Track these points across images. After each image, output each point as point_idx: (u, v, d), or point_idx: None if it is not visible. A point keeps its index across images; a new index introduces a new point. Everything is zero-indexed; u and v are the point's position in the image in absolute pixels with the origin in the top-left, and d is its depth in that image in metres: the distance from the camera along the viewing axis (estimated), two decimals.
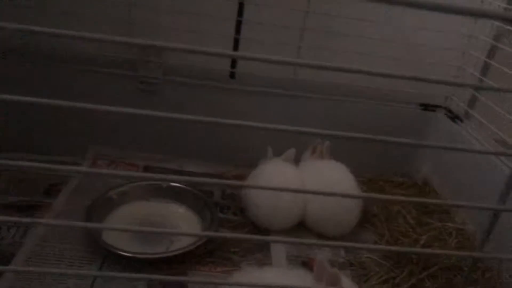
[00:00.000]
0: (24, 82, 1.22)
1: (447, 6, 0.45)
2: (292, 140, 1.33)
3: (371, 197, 1.34)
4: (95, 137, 1.44)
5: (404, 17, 1.35)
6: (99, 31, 0.50)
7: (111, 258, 1.04)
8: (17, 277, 0.95)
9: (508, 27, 1.34)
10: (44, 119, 1.37)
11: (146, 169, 1.45)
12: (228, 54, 0.60)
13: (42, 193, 1.26)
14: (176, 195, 1.24)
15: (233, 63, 1.45)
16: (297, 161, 1.33)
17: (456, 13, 0.46)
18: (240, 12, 1.38)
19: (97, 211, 1.12)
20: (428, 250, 1.06)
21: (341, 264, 1.13)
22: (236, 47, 1.43)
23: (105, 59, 1.34)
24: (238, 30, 1.41)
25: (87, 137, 1.43)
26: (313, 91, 1.44)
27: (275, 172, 1.24)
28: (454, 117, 1.48)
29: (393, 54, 1.39)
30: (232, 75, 1.47)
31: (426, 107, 1.54)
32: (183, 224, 1.19)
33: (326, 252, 1.16)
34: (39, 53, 1.33)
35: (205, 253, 1.09)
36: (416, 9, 0.46)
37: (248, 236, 1.17)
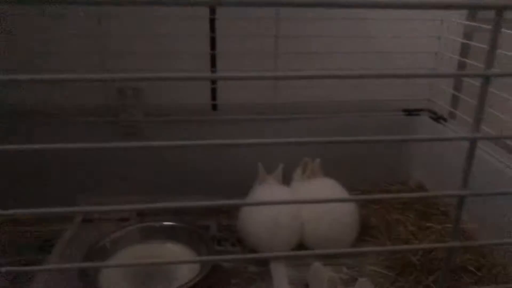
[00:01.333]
0: (5, 141, 1.23)
1: (413, 2, 0.47)
2: (281, 159, 1.33)
3: (364, 199, 1.34)
4: (84, 187, 1.43)
5: (374, 27, 1.39)
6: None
7: None
8: None
9: (475, 24, 1.37)
10: (31, 175, 1.38)
11: (140, 213, 1.43)
12: (207, 76, 0.61)
13: (37, 250, 1.25)
14: (170, 234, 1.23)
15: (213, 94, 1.47)
16: (287, 179, 1.33)
17: (423, 8, 0.47)
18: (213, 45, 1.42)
19: (91, 262, 1.10)
20: (407, 246, 1.04)
21: (345, 281, 1.10)
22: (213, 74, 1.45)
23: (84, 109, 1.36)
24: (213, 62, 1.43)
25: (76, 188, 1.43)
26: (295, 112, 1.46)
27: (270, 197, 1.23)
28: (438, 117, 1.48)
29: (368, 65, 1.42)
30: (214, 107, 1.48)
31: (409, 112, 1.55)
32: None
33: (327, 270, 1.14)
34: (20, 111, 1.34)
35: None
36: (384, 9, 0.47)
37: (245, 256, 1.15)
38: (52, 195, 1.35)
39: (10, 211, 0.52)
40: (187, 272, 1.08)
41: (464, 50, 1.46)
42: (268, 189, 1.27)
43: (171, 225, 1.24)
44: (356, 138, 0.53)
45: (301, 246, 1.22)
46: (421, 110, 1.55)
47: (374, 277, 1.11)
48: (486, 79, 0.49)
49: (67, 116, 1.36)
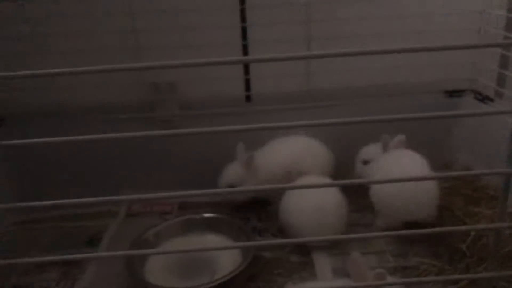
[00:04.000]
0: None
1: None
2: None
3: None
4: (128, 182, 1.47)
5: (409, 7, 1.33)
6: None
7: None
8: None
9: None
10: (76, 171, 1.43)
11: (181, 205, 1.46)
12: (240, 60, 0.60)
13: (84, 244, 1.29)
14: (211, 226, 1.24)
15: (247, 86, 1.46)
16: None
17: None
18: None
19: (136, 255, 1.13)
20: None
21: (390, 269, 1.07)
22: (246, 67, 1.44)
23: (122, 106, 1.39)
24: (245, 52, 1.43)
25: (120, 184, 1.47)
26: (331, 98, 1.43)
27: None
28: (483, 98, 1.41)
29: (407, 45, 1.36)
30: (247, 98, 1.48)
31: (451, 93, 1.48)
32: (222, 253, 1.17)
33: (372, 258, 1.12)
34: (51, 111, 1.39)
35: (248, 278, 1.07)
36: None
37: (285, 240, 1.14)
38: (96, 192, 1.40)
39: (58, 201, 0.54)
40: (229, 263, 1.09)
41: (510, 24, 1.37)
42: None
43: (212, 217, 1.25)
44: (395, 117, 0.51)
45: None
46: (464, 90, 1.48)
47: (421, 266, 1.07)
48: None
49: (104, 113, 1.39)
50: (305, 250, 1.18)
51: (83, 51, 1.30)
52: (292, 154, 1.34)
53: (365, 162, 1.34)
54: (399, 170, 1.20)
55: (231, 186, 1.30)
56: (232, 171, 1.32)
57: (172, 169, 1.46)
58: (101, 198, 0.56)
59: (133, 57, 1.36)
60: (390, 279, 0.81)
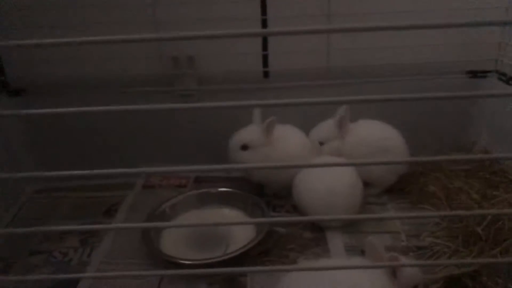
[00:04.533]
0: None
1: None
2: None
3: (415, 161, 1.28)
4: (146, 155, 1.49)
5: None
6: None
7: (171, 268, 1.06)
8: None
9: None
10: (94, 143, 1.45)
11: (197, 179, 1.48)
12: (258, 33, 0.59)
13: (102, 214, 1.33)
14: (226, 200, 1.25)
15: (265, 62, 1.45)
16: None
17: None
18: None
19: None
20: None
21: (403, 248, 1.08)
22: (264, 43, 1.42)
23: (140, 79, 1.39)
24: (264, 27, 1.41)
25: (138, 156, 1.48)
26: (349, 77, 1.40)
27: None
28: (509, 79, 1.37)
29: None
30: (265, 74, 1.47)
31: (475, 74, 1.44)
32: (236, 227, 1.19)
33: (385, 238, 1.12)
34: (70, 83, 1.40)
35: (261, 253, 1.09)
36: None
37: (299, 218, 1.15)
38: (114, 164, 1.42)
39: (77, 172, 0.55)
40: (243, 237, 1.11)
41: None
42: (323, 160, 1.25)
43: (228, 191, 1.26)
44: (410, 96, 0.49)
45: None
46: (488, 71, 1.44)
47: (434, 247, 1.07)
48: None
49: (124, 86, 1.40)
50: (318, 227, 1.19)
51: (102, 24, 1.30)
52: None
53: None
54: None
55: (244, 146, 1.25)
56: (248, 131, 1.27)
57: (189, 143, 1.47)
58: (119, 170, 0.57)
59: (152, 31, 1.35)
60: (403, 260, 0.81)
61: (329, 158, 1.25)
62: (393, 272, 0.79)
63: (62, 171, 0.59)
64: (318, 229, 1.18)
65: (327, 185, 1.15)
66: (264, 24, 1.40)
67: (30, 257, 1.14)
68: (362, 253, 1.07)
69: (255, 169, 1.28)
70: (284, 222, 1.16)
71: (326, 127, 1.32)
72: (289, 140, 1.29)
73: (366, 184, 1.28)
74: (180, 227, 1.13)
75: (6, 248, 1.17)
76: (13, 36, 1.33)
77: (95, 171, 0.56)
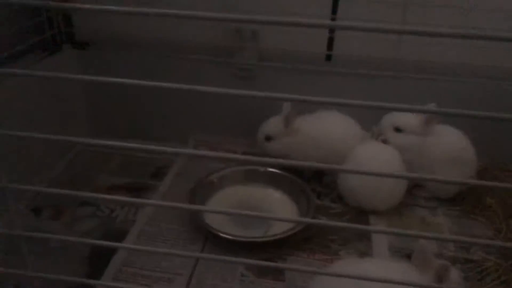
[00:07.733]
0: (124, 71, 1.31)
1: None
2: None
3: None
4: (196, 125, 1.50)
5: None
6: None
7: (212, 239, 1.07)
8: (130, 252, 1.03)
9: None
10: (146, 109, 1.47)
11: (245, 153, 1.47)
12: (325, 25, 0.57)
13: (150, 175, 1.35)
14: (273, 180, 1.24)
15: (330, 45, 1.40)
16: None
17: None
18: None
19: (199, 194, 1.17)
20: None
21: (449, 258, 1.04)
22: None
23: (201, 47, 1.38)
24: (335, 8, 1.35)
25: (188, 125, 1.50)
26: (419, 71, 1.33)
27: (373, 154, 1.18)
28: None
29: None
30: (328, 57, 1.42)
31: None
32: (279, 209, 1.19)
33: (432, 244, 1.08)
34: (133, 43, 1.40)
35: (302, 239, 1.08)
36: None
37: (345, 224, 1.13)
38: (167, 133, 1.44)
39: (125, 144, 0.55)
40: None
41: None
42: (371, 148, 1.21)
43: (275, 172, 1.25)
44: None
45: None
46: None
47: (483, 263, 1.02)
48: None
49: (182, 51, 1.39)
50: (363, 218, 1.16)
51: None
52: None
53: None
54: None
55: (267, 137, 1.28)
56: (270, 123, 1.30)
57: (241, 118, 1.46)
58: (169, 149, 0.57)
59: (219, 5, 1.32)
60: (453, 270, 0.78)
61: (375, 146, 1.21)
62: (440, 278, 0.76)
63: (113, 127, 0.59)
64: (363, 220, 1.16)
65: (376, 168, 1.12)
66: (335, 4, 1.34)
67: (79, 208, 1.19)
68: (408, 257, 1.04)
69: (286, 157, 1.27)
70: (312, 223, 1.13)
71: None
72: (324, 128, 1.28)
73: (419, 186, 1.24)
74: (216, 212, 1.13)
75: (57, 195, 1.22)
76: None
77: (143, 146, 0.56)
